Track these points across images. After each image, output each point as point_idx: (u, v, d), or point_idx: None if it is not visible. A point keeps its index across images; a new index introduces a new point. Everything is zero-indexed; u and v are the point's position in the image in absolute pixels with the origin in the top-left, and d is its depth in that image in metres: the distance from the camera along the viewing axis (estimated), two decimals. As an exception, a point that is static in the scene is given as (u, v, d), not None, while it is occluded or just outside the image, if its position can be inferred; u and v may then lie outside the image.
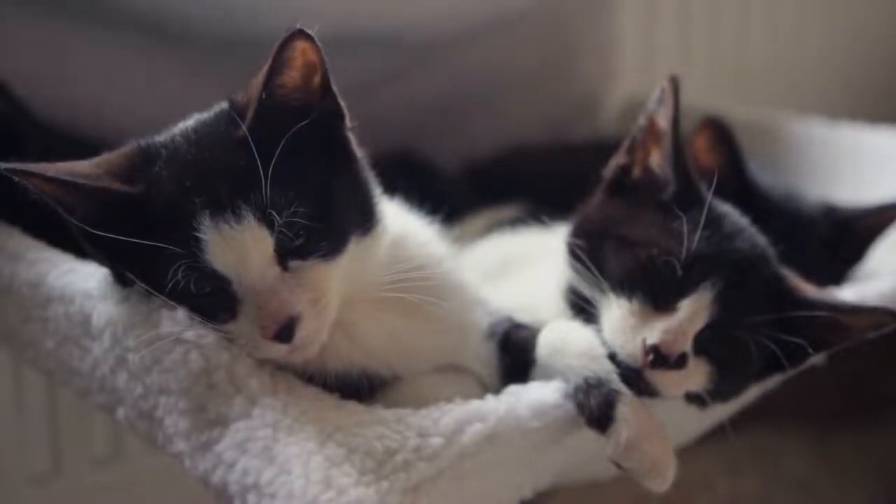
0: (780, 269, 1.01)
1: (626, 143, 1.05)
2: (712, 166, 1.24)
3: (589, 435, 0.88)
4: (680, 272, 0.94)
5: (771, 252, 1.01)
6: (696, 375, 0.94)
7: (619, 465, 0.87)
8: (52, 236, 1.01)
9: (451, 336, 0.96)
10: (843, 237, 1.25)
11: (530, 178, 1.60)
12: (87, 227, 0.83)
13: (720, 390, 0.97)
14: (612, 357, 0.93)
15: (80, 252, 0.94)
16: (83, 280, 0.93)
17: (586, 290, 0.99)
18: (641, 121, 1.03)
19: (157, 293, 0.84)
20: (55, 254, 1.00)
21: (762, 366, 0.99)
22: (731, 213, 1.02)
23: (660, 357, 0.90)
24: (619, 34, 1.98)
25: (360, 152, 0.92)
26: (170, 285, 0.82)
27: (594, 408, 0.86)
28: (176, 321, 0.84)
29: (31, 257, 1.01)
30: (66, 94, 1.37)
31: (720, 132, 1.27)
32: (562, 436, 0.90)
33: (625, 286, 0.96)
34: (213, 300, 0.83)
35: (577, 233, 1.04)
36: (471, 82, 1.74)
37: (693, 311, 0.93)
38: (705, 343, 0.94)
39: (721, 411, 1.07)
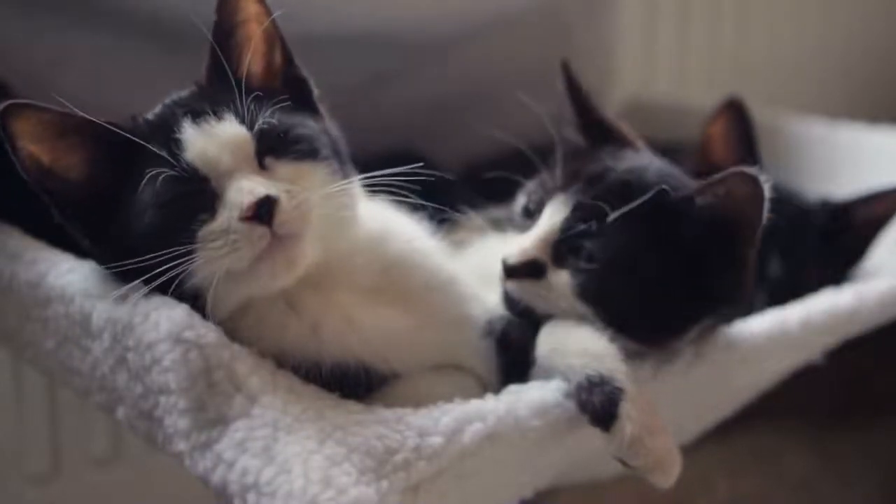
0: (660, 177, 0.97)
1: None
2: (726, 160, 1.24)
3: (589, 434, 0.88)
4: (543, 198, 0.99)
5: (656, 170, 0.99)
6: (559, 286, 0.95)
7: (623, 463, 0.87)
8: (52, 236, 1.01)
9: (447, 330, 0.97)
10: (841, 229, 1.25)
11: (530, 178, 1.60)
12: (74, 182, 0.86)
13: (610, 306, 0.93)
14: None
15: (80, 252, 0.95)
16: (83, 280, 0.93)
17: None
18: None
19: (138, 233, 0.85)
20: (55, 254, 1.00)
21: (681, 286, 0.94)
22: (623, 150, 1.02)
23: (509, 267, 0.95)
24: (619, 34, 1.98)
25: (329, 118, 0.97)
26: (147, 196, 0.84)
27: (597, 406, 0.86)
28: (176, 321, 0.84)
29: (30, 257, 1.01)
30: (66, 94, 1.37)
31: (737, 118, 1.27)
32: (562, 435, 0.90)
33: (509, 226, 1.03)
34: (191, 201, 0.84)
35: None
36: (471, 82, 1.74)
37: (542, 220, 0.96)
38: (564, 251, 0.95)
39: (721, 409, 1.07)
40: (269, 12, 0.90)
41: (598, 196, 0.94)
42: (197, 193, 0.84)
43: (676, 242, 0.93)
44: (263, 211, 0.82)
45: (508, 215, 1.07)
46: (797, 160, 1.60)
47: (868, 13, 2.56)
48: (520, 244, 0.96)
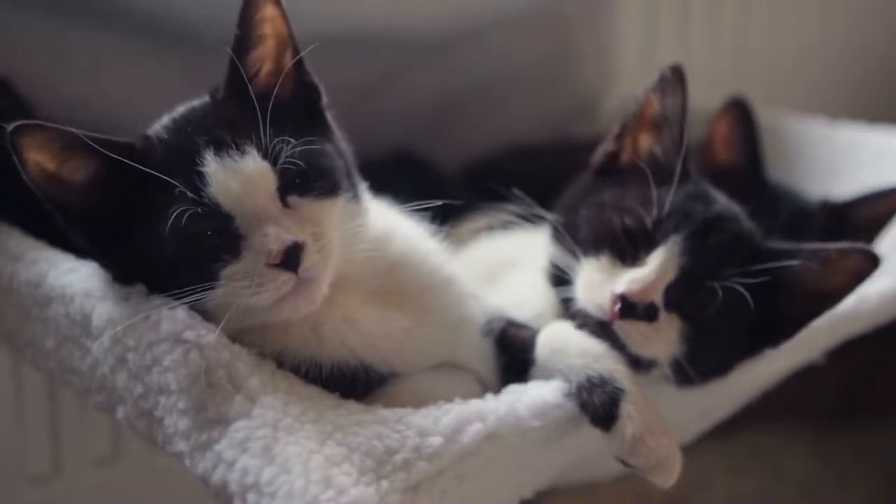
0: (752, 228, 1.00)
1: (614, 131, 1.06)
2: (730, 159, 1.24)
3: (589, 434, 0.88)
4: (650, 228, 0.95)
5: (745, 218, 1.01)
6: (668, 332, 0.93)
7: (624, 463, 0.87)
8: (52, 236, 1.01)
9: (446, 329, 0.97)
10: (841, 229, 1.25)
11: (530, 178, 1.60)
12: (84, 201, 0.85)
13: (699, 356, 0.95)
14: (583, 314, 0.94)
15: (80, 252, 0.94)
16: (83, 280, 0.93)
17: (563, 261, 1.00)
18: (632, 109, 1.04)
19: (155, 262, 0.84)
20: (55, 254, 1.00)
21: (747, 335, 0.97)
22: (708, 186, 1.03)
23: (627, 305, 0.90)
24: (619, 34, 1.98)
25: (337, 130, 0.95)
26: (169, 232, 0.82)
27: (598, 406, 0.87)
28: (176, 321, 0.84)
29: (30, 257, 1.01)
30: (66, 93, 1.37)
31: (742, 117, 1.26)
32: (562, 435, 0.90)
33: (594, 246, 0.97)
34: (215, 241, 0.84)
35: (557, 210, 1.06)
36: (471, 82, 1.74)
37: (661, 261, 0.93)
38: (678, 298, 0.93)
39: (721, 409, 1.07)
40: (286, 17, 0.89)
41: (717, 247, 0.95)
42: (221, 232, 0.84)
43: (767, 296, 0.95)
44: (291, 258, 0.82)
45: (513, 216, 1.08)
46: (798, 159, 1.60)
47: (868, 13, 2.56)
48: (636, 283, 0.92)
